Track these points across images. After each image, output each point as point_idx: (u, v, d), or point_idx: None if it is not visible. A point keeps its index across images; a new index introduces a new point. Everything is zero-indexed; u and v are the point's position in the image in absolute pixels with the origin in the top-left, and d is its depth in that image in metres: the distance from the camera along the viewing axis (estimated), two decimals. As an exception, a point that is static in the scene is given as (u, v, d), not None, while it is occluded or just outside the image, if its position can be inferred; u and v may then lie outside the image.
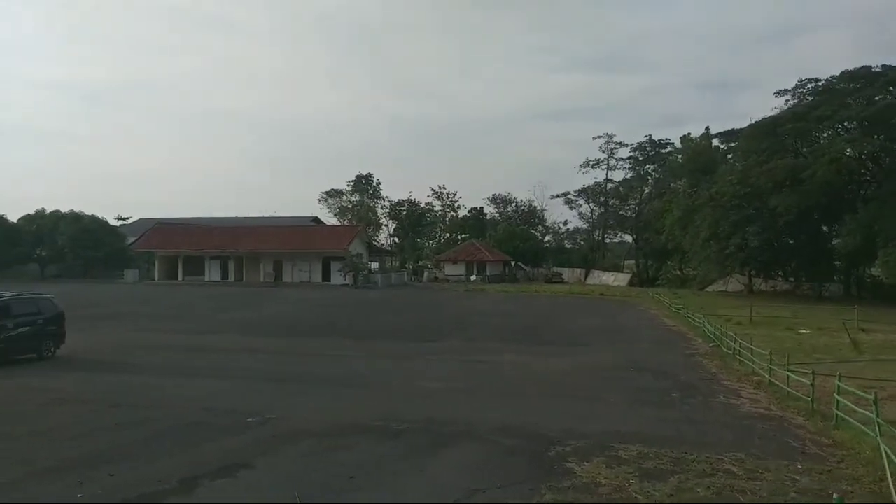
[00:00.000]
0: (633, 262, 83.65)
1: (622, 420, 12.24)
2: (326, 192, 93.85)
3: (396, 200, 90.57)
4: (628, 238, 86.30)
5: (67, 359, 18.94)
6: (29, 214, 69.00)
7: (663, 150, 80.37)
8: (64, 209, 69.49)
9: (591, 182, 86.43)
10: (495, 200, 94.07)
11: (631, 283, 70.16)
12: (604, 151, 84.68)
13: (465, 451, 10.16)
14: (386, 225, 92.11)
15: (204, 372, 17.30)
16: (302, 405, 13.33)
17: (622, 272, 77.34)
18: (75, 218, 67.67)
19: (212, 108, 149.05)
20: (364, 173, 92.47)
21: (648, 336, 26.96)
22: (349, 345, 22.99)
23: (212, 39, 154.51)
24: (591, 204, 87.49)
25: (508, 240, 79.63)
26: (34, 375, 16.42)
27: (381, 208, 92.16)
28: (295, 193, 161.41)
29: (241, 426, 11.49)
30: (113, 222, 74.96)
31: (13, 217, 68.16)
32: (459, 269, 72.21)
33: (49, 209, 69.69)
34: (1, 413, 12.61)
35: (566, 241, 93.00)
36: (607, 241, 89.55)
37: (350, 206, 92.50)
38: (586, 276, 75.36)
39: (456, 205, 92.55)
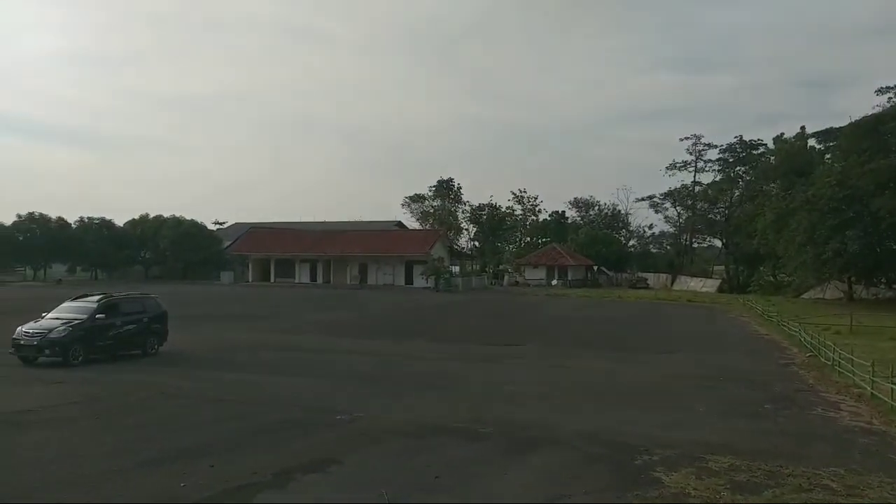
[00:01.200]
0: (722, 267, 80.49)
1: (712, 430, 11.89)
2: (409, 198, 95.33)
3: (477, 205, 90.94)
4: (717, 242, 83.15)
5: (170, 356, 20.08)
6: (134, 219, 73.53)
7: (755, 152, 77.01)
8: (166, 214, 73.67)
9: (678, 185, 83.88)
10: (577, 204, 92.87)
11: (720, 290, 67.59)
12: (691, 153, 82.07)
13: (548, 456, 10.17)
14: (467, 229, 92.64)
15: (295, 370, 18.01)
16: (387, 405, 13.67)
17: (711, 278, 74.60)
18: (176, 223, 71.58)
19: (301, 117, 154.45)
20: (445, 178, 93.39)
21: (739, 344, 25.95)
22: (432, 347, 23.31)
23: (300, 51, 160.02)
24: (677, 207, 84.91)
25: (591, 244, 78.38)
26: (140, 371, 17.53)
27: (462, 213, 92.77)
28: (379, 199, 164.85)
29: (331, 423, 11.92)
30: (210, 227, 78.78)
31: (120, 222, 72.88)
32: (540, 274, 71.66)
33: (152, 215, 74.02)
34: (111, 406, 13.56)
35: (651, 246, 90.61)
36: (695, 245, 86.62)
37: (432, 210, 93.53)
38: (672, 282, 73.17)
39: (537, 209, 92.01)
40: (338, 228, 75.23)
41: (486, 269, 79.85)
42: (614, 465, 9.66)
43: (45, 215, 66.95)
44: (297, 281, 66.46)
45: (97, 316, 18.91)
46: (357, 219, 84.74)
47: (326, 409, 13.09)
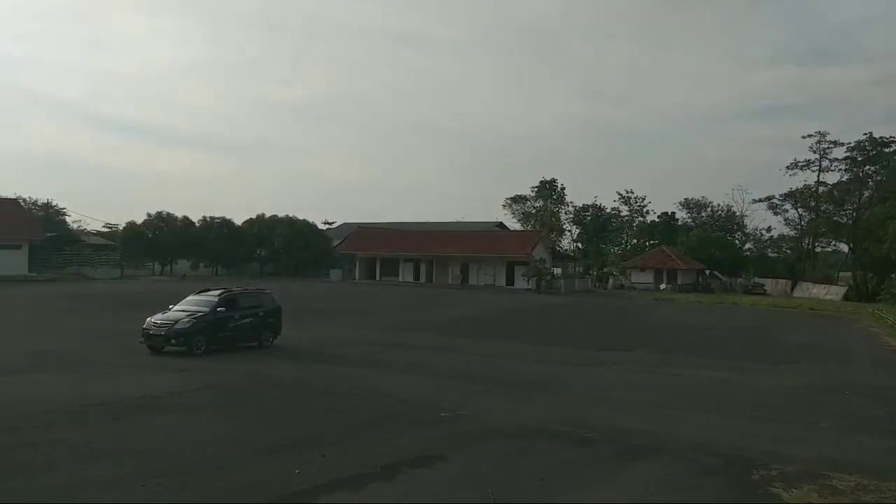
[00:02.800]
0: (848, 273, 74.81)
1: (835, 447, 11.12)
2: (511, 198, 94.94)
3: (581, 205, 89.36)
4: (843, 247, 77.34)
5: (283, 348, 21.04)
6: (251, 219, 77.58)
7: (887, 150, 71.02)
8: (280, 215, 77.28)
9: (800, 185, 78.76)
10: (688, 205, 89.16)
11: (846, 298, 62.91)
12: (815, 151, 76.76)
13: (658, 465, 9.86)
14: (569, 230, 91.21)
15: (399, 366, 18.42)
16: (491, 405, 13.72)
17: (836, 284, 69.52)
18: (289, 222, 74.96)
19: (406, 120, 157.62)
20: (548, 179, 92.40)
21: (867, 356, 24.10)
22: (534, 349, 23.15)
23: (405, 55, 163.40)
24: (799, 209, 79.71)
25: (702, 247, 75.04)
26: (257, 362, 18.49)
27: (565, 213, 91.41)
28: (481, 199, 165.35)
29: (435, 420, 12.11)
30: (320, 227, 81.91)
31: (238, 221, 77.11)
32: (647, 277, 69.45)
33: (268, 215, 77.86)
34: (231, 394, 14.41)
35: (769, 250, 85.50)
36: (818, 249, 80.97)
37: (534, 211, 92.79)
38: (792, 288, 68.83)
39: (644, 210, 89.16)
40: (440, 229, 76.17)
41: (590, 271, 78.27)
42: (729, 479, 9.24)
43: (172, 215, 71.99)
44: (400, 280, 67.89)
45: (218, 309, 19.98)
46: (459, 219, 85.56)
47: (431, 405, 13.30)
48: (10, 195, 67.05)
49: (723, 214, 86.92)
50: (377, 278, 69.04)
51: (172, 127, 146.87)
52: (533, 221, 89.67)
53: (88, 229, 76.63)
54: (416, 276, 68.14)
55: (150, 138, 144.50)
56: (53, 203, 73.77)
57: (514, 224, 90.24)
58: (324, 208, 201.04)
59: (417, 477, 8.85)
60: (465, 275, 65.84)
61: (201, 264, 75.72)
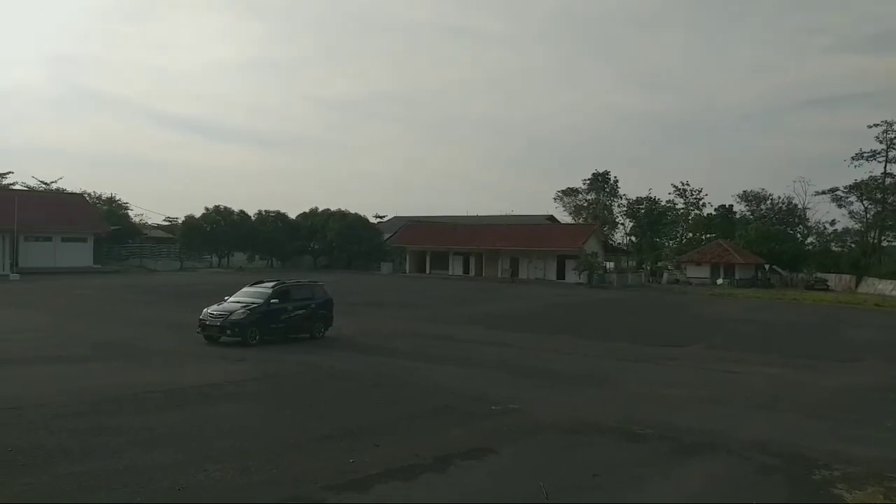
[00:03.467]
0: (918, 268, 71.43)
1: (904, 449, 10.67)
2: (562, 191, 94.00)
3: (634, 198, 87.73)
4: (913, 241, 73.93)
5: (335, 340, 21.36)
6: (305, 212, 78.91)
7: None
8: (333, 208, 78.41)
9: (866, 176, 75.55)
10: (746, 198, 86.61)
11: (916, 294, 60.08)
12: (882, 141, 73.47)
13: (714, 463, 9.65)
14: (622, 224, 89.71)
15: (449, 359, 18.49)
16: (541, 399, 13.66)
17: (904, 280, 66.50)
18: (342, 216, 75.98)
19: (455, 115, 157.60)
20: (601, 171, 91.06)
21: (940, 356, 22.97)
22: (584, 343, 22.92)
23: (454, 49, 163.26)
24: (864, 201, 76.49)
25: (762, 241, 72.80)
26: (310, 353, 18.83)
27: (618, 206, 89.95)
28: (531, 192, 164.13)
29: (486, 413, 12.13)
30: (372, 220, 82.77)
31: (292, 215, 78.56)
32: (703, 272, 67.82)
33: (321, 208, 79.12)
34: (287, 384, 14.72)
35: (833, 244, 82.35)
36: (885, 244, 77.59)
37: (585, 204, 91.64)
38: (857, 284, 66.16)
39: (700, 202, 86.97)
40: (490, 222, 76.00)
41: (643, 265, 76.93)
42: (789, 478, 8.98)
43: (229, 208, 73.75)
44: (450, 273, 68.07)
45: (272, 301, 20.32)
46: (509, 213, 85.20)
47: (481, 398, 13.33)
48: (77, 190, 69.99)
49: (783, 207, 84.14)
50: (427, 272, 69.39)
51: (230, 123, 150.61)
52: (585, 215, 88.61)
53: (150, 223, 79.29)
54: (466, 270, 68.21)
55: (209, 134, 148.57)
56: (117, 198, 76.48)
57: (565, 217, 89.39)
58: (375, 202, 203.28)
59: (469, 469, 8.88)
60: (514, 268, 65.56)
61: (257, 257, 77.44)
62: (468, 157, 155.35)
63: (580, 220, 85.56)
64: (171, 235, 75.22)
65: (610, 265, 67.85)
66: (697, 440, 10.75)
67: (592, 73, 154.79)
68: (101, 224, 59.91)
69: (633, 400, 13.93)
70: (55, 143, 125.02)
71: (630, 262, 75.62)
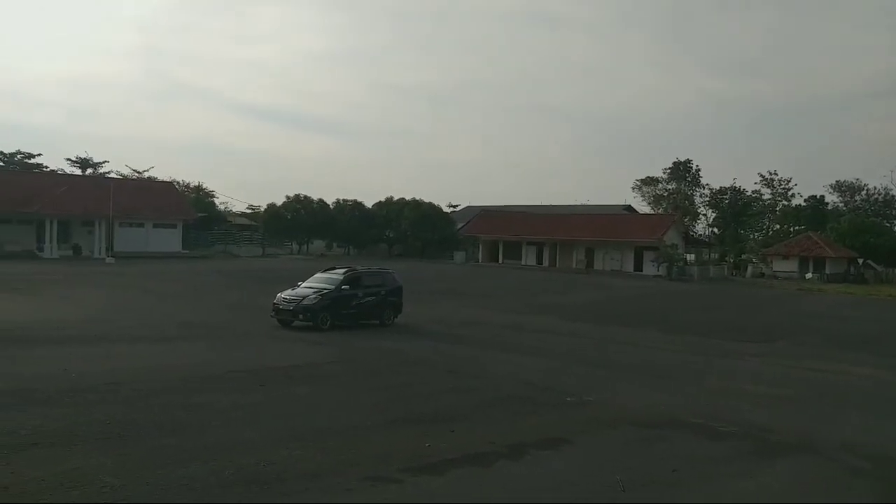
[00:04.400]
0: None
1: None
2: (640, 180, 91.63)
3: (718, 188, 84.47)
4: None
5: (408, 327, 21.60)
6: (380, 201, 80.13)
7: None
8: (407, 197, 79.31)
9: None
10: (839, 188, 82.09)
11: None
12: None
13: (800, 464, 9.26)
14: (704, 214, 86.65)
15: (522, 349, 18.44)
16: (617, 391, 13.45)
17: None
18: (416, 205, 76.75)
19: (533, 101, 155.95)
20: (682, 160, 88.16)
21: None
22: (662, 337, 22.35)
23: (532, 36, 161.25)
24: (972, 192, 71.13)
25: (855, 233, 68.76)
26: (384, 339, 19.14)
27: (700, 196, 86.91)
28: (608, 182, 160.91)
29: (560, 404, 12.04)
30: (445, 209, 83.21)
31: (369, 203, 79.96)
32: (791, 265, 64.73)
33: (396, 197, 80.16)
34: (363, 368, 15.05)
35: (935, 237, 76.99)
36: None
37: (665, 194, 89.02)
38: (962, 281, 61.71)
39: (789, 193, 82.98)
40: (565, 212, 75.05)
41: (726, 258, 74.15)
42: (881, 482, 8.54)
43: (309, 197, 75.79)
44: (523, 263, 67.69)
45: (342, 287, 20.67)
46: (585, 202, 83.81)
47: (554, 389, 13.25)
48: (167, 179, 73.50)
49: (880, 198, 79.30)
50: (500, 261, 69.24)
51: (309, 113, 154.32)
52: (665, 205, 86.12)
53: (234, 210, 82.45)
54: (540, 260, 67.65)
55: (291, 124, 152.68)
56: (203, 186, 79.91)
57: (643, 207, 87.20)
58: (449, 191, 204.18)
59: (543, 459, 8.85)
60: (590, 259, 64.54)
61: (335, 244, 79.31)
62: (544, 146, 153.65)
63: (659, 211, 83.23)
64: (253, 223, 78.03)
65: (690, 257, 65.78)
66: (782, 439, 10.34)
67: (676, 59, 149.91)
68: (189, 211, 62.74)
69: (714, 396, 13.51)
70: (148, 133, 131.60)
71: (712, 255, 73.08)
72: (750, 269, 68.75)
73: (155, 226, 58.04)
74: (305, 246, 76.69)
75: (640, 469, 8.61)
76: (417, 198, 78.67)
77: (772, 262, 67.78)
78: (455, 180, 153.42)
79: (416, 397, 12.19)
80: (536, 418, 10.99)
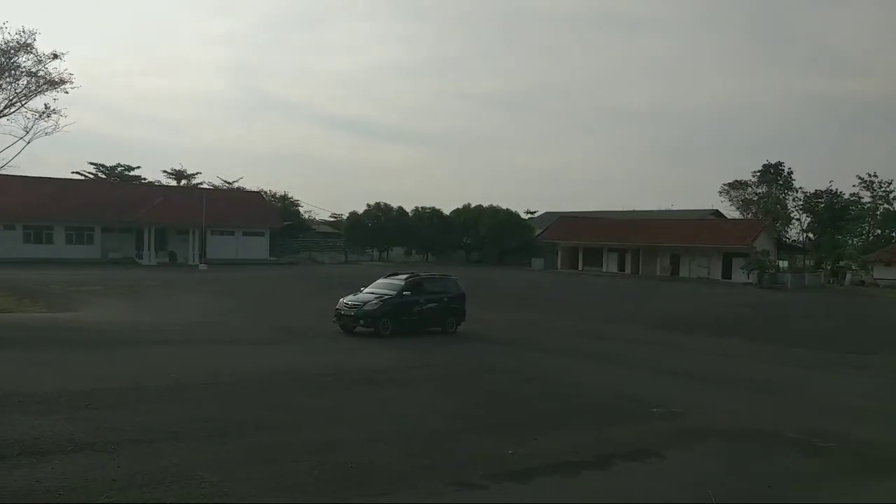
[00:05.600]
0: None
1: None
2: (728, 184, 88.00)
3: (812, 191, 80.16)
4: None
5: (482, 334, 21.46)
6: (458, 208, 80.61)
7: None
8: (485, 204, 79.40)
9: None
10: (948, 190, 76.18)
11: None
12: None
13: (911, 484, 8.66)
14: (798, 219, 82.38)
15: (605, 357, 18.10)
16: (706, 403, 12.99)
17: None
18: (493, 212, 76.74)
19: (610, 105, 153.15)
20: (772, 162, 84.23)
21: None
22: (756, 347, 21.42)
23: (605, 37, 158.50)
24: None
25: (967, 238, 63.86)
26: (462, 346, 19.18)
27: (793, 200, 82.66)
28: (693, 185, 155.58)
29: (647, 415, 11.73)
30: (523, 216, 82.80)
31: (447, 211, 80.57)
32: (894, 273, 60.73)
33: (473, 204, 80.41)
34: (446, 375, 15.11)
35: None
36: None
37: (755, 198, 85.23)
38: None
39: (891, 195, 77.80)
40: (648, 217, 73.17)
41: (823, 265, 70.32)
42: None
43: (389, 205, 77.17)
44: (604, 270, 66.40)
45: (404, 293, 20.34)
46: (669, 207, 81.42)
47: (641, 399, 12.92)
48: (255, 188, 76.45)
49: None
50: (580, 268, 68.20)
51: (390, 122, 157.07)
52: (754, 209, 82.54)
53: (317, 218, 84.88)
54: (622, 267, 66.20)
55: (370, 134, 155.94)
56: (289, 195, 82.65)
57: (732, 212, 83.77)
58: (527, 197, 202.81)
59: (630, 470, 8.65)
60: (675, 266, 62.63)
61: (413, 251, 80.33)
62: (624, 150, 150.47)
63: (749, 216, 79.86)
64: (336, 230, 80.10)
65: (783, 264, 62.75)
66: (887, 457, 9.70)
67: (764, 57, 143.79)
68: (276, 220, 65.11)
69: (813, 409, 12.85)
70: (237, 144, 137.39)
71: (807, 262, 69.46)
72: (849, 276, 64.97)
73: (244, 234, 60.59)
74: (385, 253, 78.03)
75: (732, 484, 8.28)
76: (495, 204, 78.65)
77: (873, 269, 63.77)
78: (533, 186, 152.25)
79: (497, 404, 12.17)
80: (621, 428, 10.75)
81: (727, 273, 59.20)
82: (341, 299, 20.69)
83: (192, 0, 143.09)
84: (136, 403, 10.44)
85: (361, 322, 19.83)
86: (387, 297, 20.20)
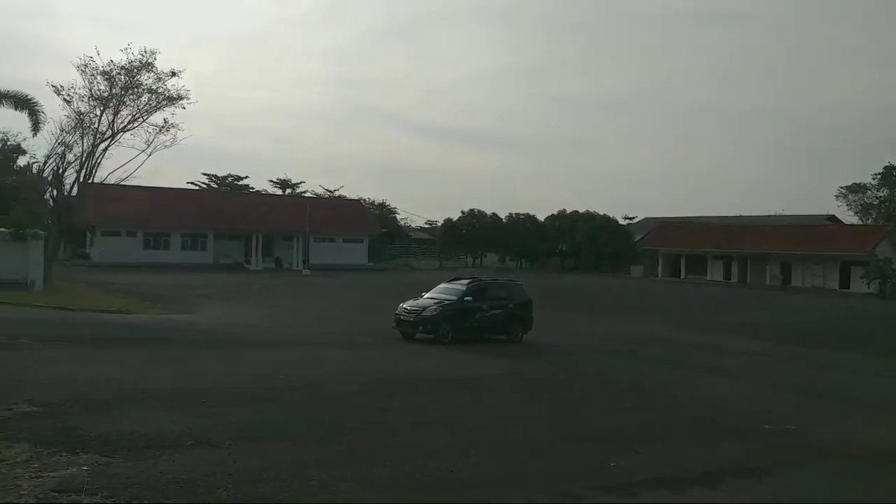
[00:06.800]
0: None
1: None
2: (845, 188, 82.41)
3: (943, 194, 73.85)
4: None
5: (565, 342, 21.02)
6: (553, 215, 79.70)
7: None
8: (581, 210, 78.15)
9: None
10: None
11: None
12: None
13: None
14: (926, 224, 76.03)
15: (710, 369, 17.38)
16: (823, 421, 12.24)
17: None
18: (590, 217, 75.36)
19: (711, 105, 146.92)
20: (895, 163, 78.12)
21: None
22: (876, 362, 19.93)
23: (708, 36, 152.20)
24: None
25: None
26: (553, 353, 18.94)
27: (921, 204, 76.35)
28: (805, 189, 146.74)
29: (757, 431, 11.17)
30: (621, 222, 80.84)
31: (541, 217, 79.85)
32: None
33: (569, 210, 79.33)
34: (538, 383, 14.98)
35: None
36: None
37: (876, 202, 79.37)
38: None
39: None
40: (756, 222, 69.57)
41: (955, 274, 64.40)
42: None
43: (482, 211, 77.45)
44: (708, 278, 63.73)
45: (465, 298, 19.69)
46: (779, 212, 77.13)
47: (748, 414, 12.35)
48: (354, 197, 78.75)
49: None
50: (682, 276, 65.78)
51: (485, 129, 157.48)
52: (875, 214, 76.87)
53: (413, 225, 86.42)
54: (727, 276, 63.30)
55: (464, 141, 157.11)
56: (387, 203, 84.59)
57: (850, 217, 78.34)
58: (625, 202, 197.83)
59: (741, 488, 8.26)
60: (786, 275, 59.20)
61: (507, 258, 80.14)
62: (730, 152, 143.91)
63: (869, 221, 74.44)
64: (431, 237, 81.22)
65: (908, 273, 57.94)
66: None
67: (882, 47, 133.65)
68: (374, 227, 66.86)
69: (946, 432, 11.79)
70: (338, 154, 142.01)
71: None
72: None
73: (344, 240, 62.59)
74: (479, 260, 78.26)
75: (855, 508, 7.75)
76: (591, 210, 77.23)
77: None
78: (631, 191, 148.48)
79: (594, 414, 11.95)
80: (730, 444, 10.27)
81: (845, 282, 55.39)
82: (401, 304, 20.26)
83: (295, 17, 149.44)
84: (247, 402, 10.98)
85: (420, 328, 19.28)
86: (447, 302, 19.61)
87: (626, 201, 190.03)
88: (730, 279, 62.75)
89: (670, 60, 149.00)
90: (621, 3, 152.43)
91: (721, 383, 15.57)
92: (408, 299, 20.66)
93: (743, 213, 77.92)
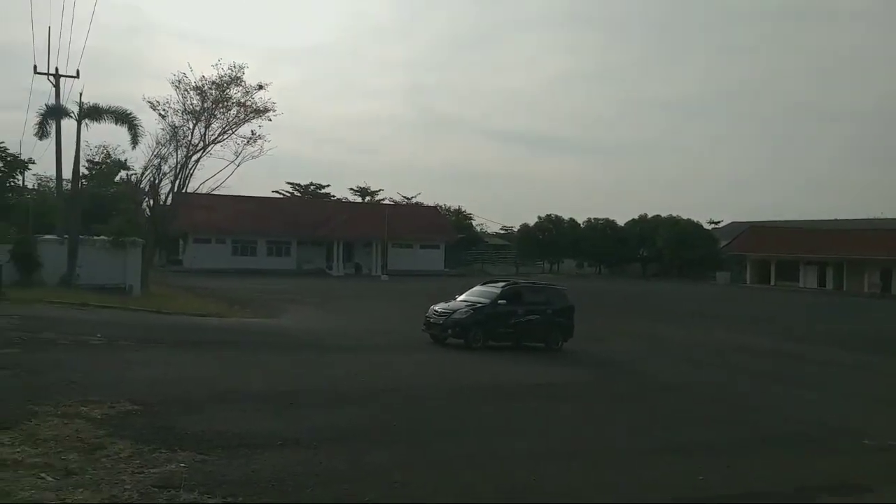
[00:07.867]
0: None
1: None
2: (954, 189, 76.98)
3: None
4: None
5: (644, 350, 20.45)
6: (634, 219, 78.00)
7: None
8: (663, 214, 76.10)
9: None
10: None
11: None
12: None
13: None
14: None
15: (802, 381, 16.66)
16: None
17: None
18: (673, 222, 73.29)
19: (805, 105, 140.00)
20: None
21: None
22: None
23: (801, 33, 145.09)
24: None
25: None
26: (633, 361, 18.46)
27: None
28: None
29: (855, 447, 10.55)
30: (706, 226, 78.25)
31: (621, 222, 78.26)
32: None
33: (650, 214, 77.40)
34: (619, 392, 14.64)
35: None
36: None
37: None
38: None
39: None
40: (853, 227, 65.85)
41: None
42: None
43: (560, 217, 76.67)
44: (801, 285, 60.78)
45: (499, 302, 18.79)
46: (878, 216, 72.66)
47: (844, 429, 11.74)
48: (431, 203, 79.59)
49: None
50: (771, 283, 62.99)
51: (559, 134, 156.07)
52: None
53: (489, 231, 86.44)
54: (822, 282, 60.20)
55: (541, 146, 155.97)
56: (462, 209, 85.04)
57: (957, 220, 72.97)
58: (710, 207, 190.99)
59: (839, 506, 7.85)
60: (886, 282, 55.75)
61: (585, 263, 78.95)
62: (823, 153, 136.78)
63: (980, 224, 69.06)
64: (507, 243, 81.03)
65: None
66: None
67: None
68: (450, 233, 67.40)
69: None
70: (415, 161, 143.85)
71: None
72: None
73: (422, 246, 63.41)
74: (556, 265, 77.44)
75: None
76: (674, 214, 75.10)
77: None
78: (717, 195, 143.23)
79: (678, 425, 11.60)
80: (826, 460, 9.77)
81: (953, 290, 51.64)
82: (432, 307, 19.48)
83: (371, 29, 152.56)
84: (332, 404, 11.28)
85: (449, 332, 18.53)
86: (479, 305, 18.73)
87: (711, 206, 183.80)
88: (824, 286, 59.65)
89: (741, 62, 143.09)
90: (707, 3, 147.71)
91: (814, 396, 14.83)
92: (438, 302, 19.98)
93: (838, 217, 73.93)
